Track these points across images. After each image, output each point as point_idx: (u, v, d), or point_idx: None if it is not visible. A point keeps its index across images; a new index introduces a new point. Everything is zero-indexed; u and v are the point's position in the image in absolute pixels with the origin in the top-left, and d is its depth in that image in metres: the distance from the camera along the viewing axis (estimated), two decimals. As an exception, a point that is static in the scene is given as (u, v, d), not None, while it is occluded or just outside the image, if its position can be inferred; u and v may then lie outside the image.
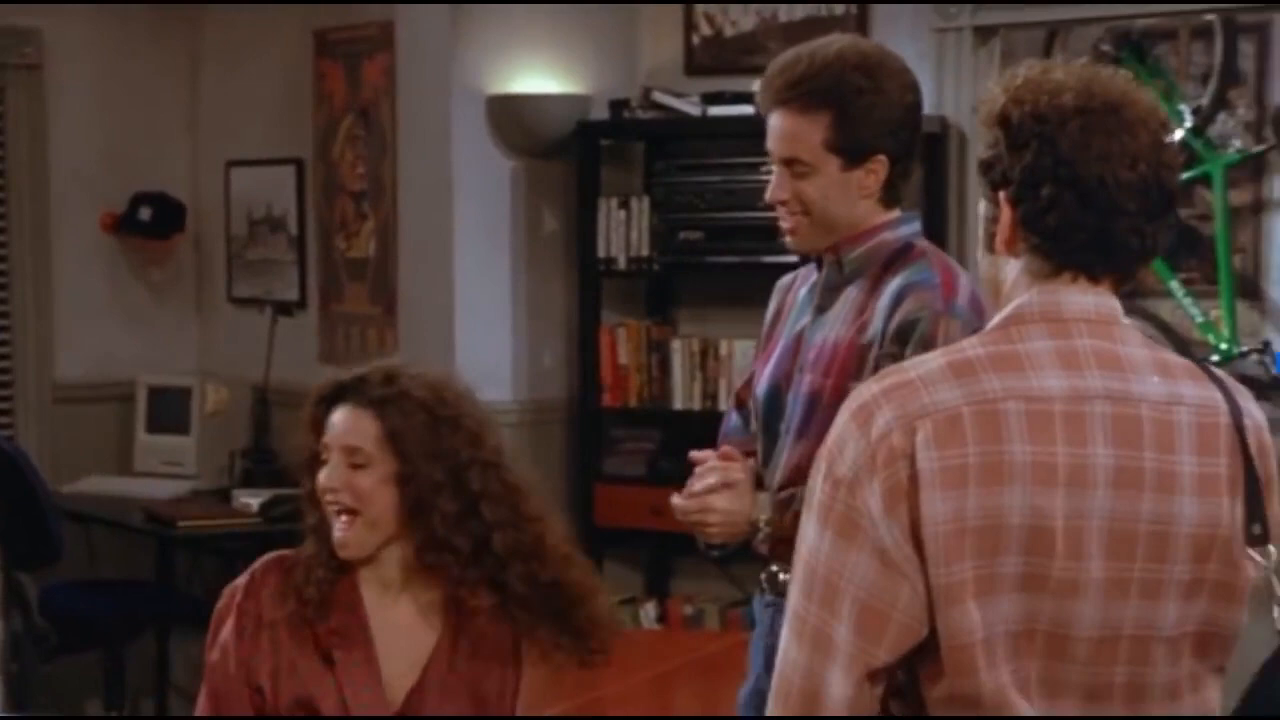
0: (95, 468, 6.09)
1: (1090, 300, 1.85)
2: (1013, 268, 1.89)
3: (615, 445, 5.52)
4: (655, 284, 5.62)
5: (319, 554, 2.70)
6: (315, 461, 2.69)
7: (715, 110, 5.29)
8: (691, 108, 5.34)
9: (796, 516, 2.71)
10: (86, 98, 6.16)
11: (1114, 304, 1.87)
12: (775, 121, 2.80)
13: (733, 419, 3.09)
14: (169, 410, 6.03)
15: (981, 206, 1.93)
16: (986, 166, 1.89)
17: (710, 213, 5.31)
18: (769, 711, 1.86)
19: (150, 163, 6.25)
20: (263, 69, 6.11)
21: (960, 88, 5.20)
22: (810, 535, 1.83)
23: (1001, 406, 1.78)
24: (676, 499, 2.89)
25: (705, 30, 5.63)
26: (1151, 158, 1.84)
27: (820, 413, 2.78)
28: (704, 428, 5.37)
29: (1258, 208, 5.67)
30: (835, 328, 2.82)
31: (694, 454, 2.91)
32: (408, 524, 2.65)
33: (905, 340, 2.71)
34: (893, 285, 2.77)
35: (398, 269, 5.63)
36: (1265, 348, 5.53)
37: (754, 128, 5.19)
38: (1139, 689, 1.81)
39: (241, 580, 2.73)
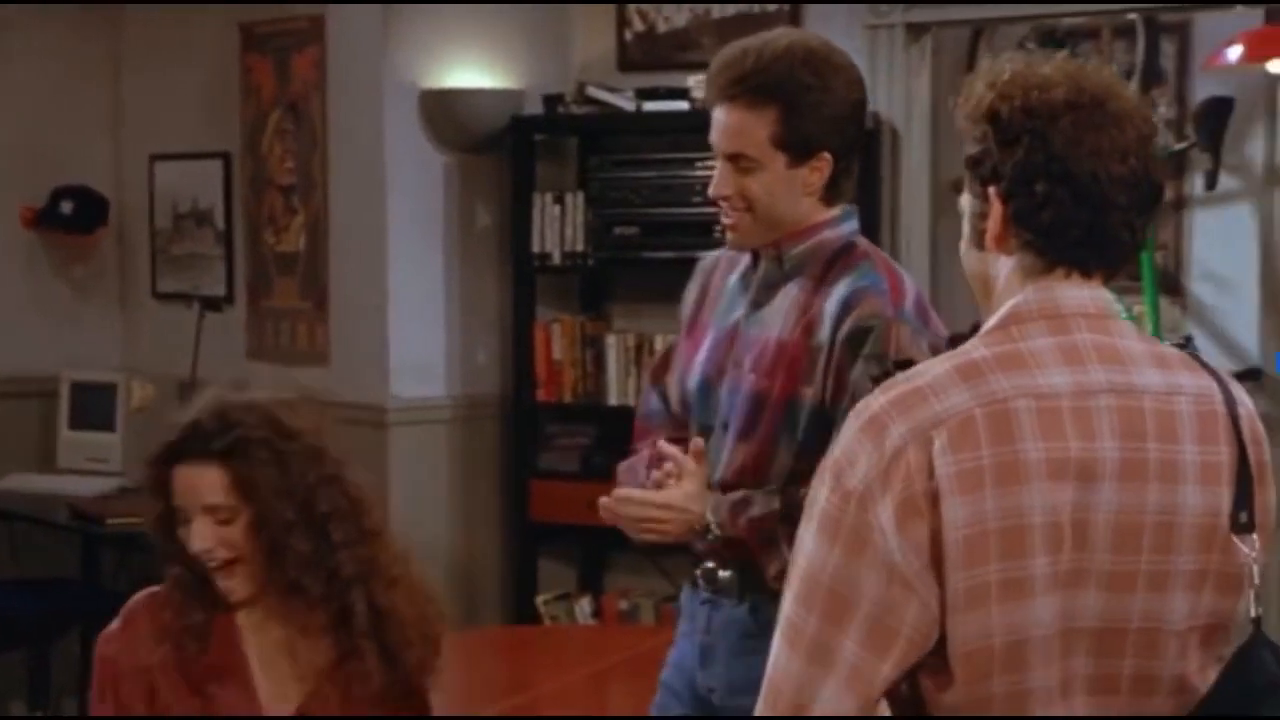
0: (17, 465, 6.01)
1: (1086, 295, 1.86)
2: (1004, 264, 1.88)
3: (550, 441, 5.52)
4: (589, 279, 5.62)
5: (188, 598, 2.63)
6: (170, 520, 2.61)
7: (650, 106, 5.30)
8: (626, 103, 5.34)
9: (751, 523, 2.73)
10: (6, 90, 6.07)
11: (1108, 298, 1.89)
12: (721, 116, 2.77)
13: (653, 401, 3.05)
14: (93, 407, 5.96)
15: (965, 202, 1.93)
16: (975, 162, 1.88)
17: (645, 208, 5.32)
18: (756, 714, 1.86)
19: (72, 156, 6.17)
20: (188, 62, 6.05)
21: (893, 85, 5.25)
22: (812, 546, 1.81)
23: (1012, 405, 1.78)
24: (626, 493, 2.83)
25: (638, 26, 5.64)
26: (1140, 151, 1.85)
27: (767, 413, 2.78)
28: (639, 423, 5.44)
29: (1179, 204, 5.73)
30: (776, 326, 2.80)
31: (663, 446, 2.84)
32: (267, 565, 2.60)
33: (858, 347, 2.70)
34: (840, 290, 2.75)
35: (329, 264, 5.59)
36: (1187, 342, 5.59)
37: (689, 123, 5.28)
38: (1147, 681, 1.82)
39: (115, 626, 2.68)
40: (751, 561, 2.78)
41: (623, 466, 3.00)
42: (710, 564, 2.86)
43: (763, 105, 2.72)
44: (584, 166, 5.52)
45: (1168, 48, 5.80)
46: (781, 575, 2.69)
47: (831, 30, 5.27)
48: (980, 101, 1.88)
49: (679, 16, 5.56)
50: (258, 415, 2.59)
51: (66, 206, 6.05)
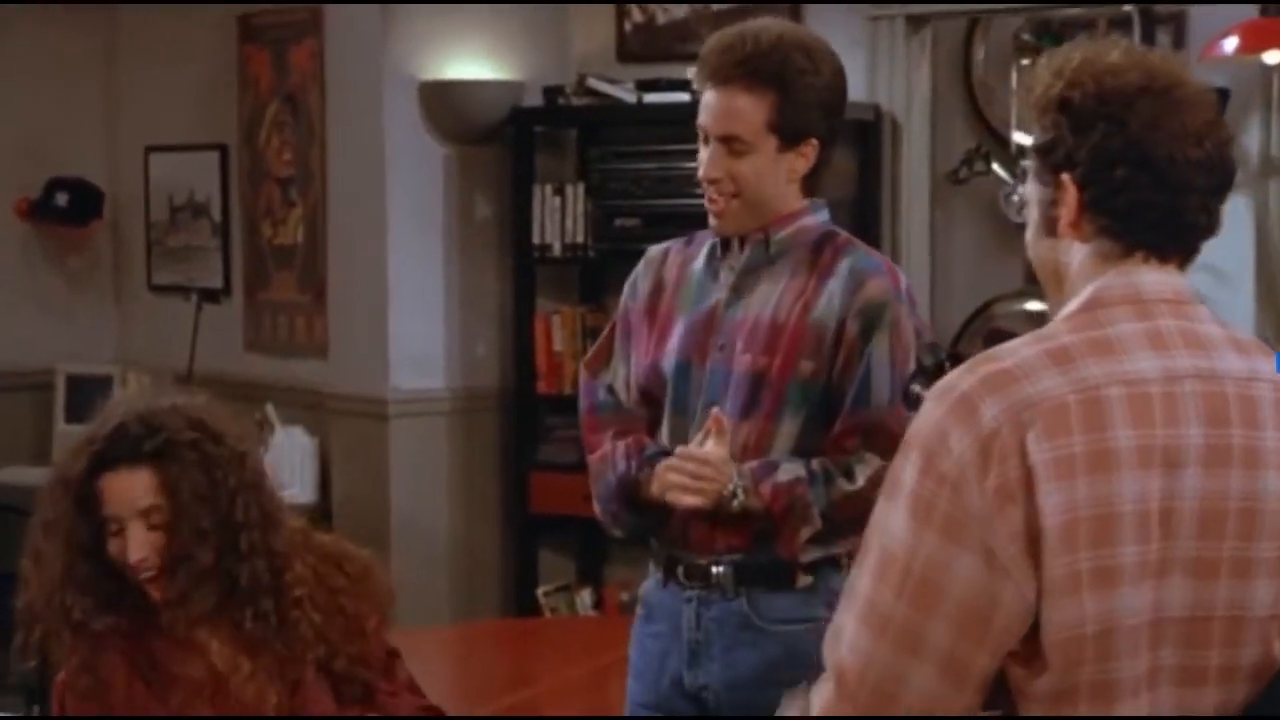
0: (11, 458, 5.99)
1: (1166, 280, 1.87)
2: (1077, 251, 1.89)
3: (550, 433, 5.51)
4: (590, 271, 5.62)
5: (140, 622, 2.55)
6: (99, 538, 2.50)
7: (650, 97, 5.30)
8: (626, 94, 5.34)
9: (777, 489, 2.71)
10: (1, 82, 6.05)
11: (1186, 284, 1.89)
12: (716, 99, 2.78)
13: (599, 393, 3.02)
14: (89, 399, 5.85)
15: (1032, 192, 1.93)
16: (1045, 150, 1.88)
17: (645, 200, 5.32)
18: (825, 700, 1.85)
19: (66, 148, 6.16)
20: (184, 55, 6.04)
21: (893, 75, 5.26)
22: (901, 530, 1.80)
23: (1104, 393, 1.78)
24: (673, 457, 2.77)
25: (637, 17, 5.64)
26: (1213, 135, 1.86)
27: (767, 391, 2.79)
28: (639, 415, 5.44)
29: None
30: (769, 307, 2.81)
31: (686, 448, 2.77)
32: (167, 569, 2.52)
33: (870, 325, 2.75)
34: (843, 269, 2.79)
35: (327, 256, 5.59)
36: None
37: (689, 114, 5.20)
38: (1232, 671, 1.82)
39: (64, 675, 2.57)
40: (744, 549, 2.78)
41: (594, 460, 2.94)
42: (700, 560, 2.83)
43: (760, 88, 2.74)
44: (584, 158, 5.51)
45: (1163, 39, 5.81)
46: (813, 540, 2.74)
47: (832, 22, 5.30)
48: (1049, 90, 1.88)
49: (678, 8, 5.56)
50: (183, 418, 2.51)
51: (61, 198, 6.04)
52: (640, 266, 3.03)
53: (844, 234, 2.89)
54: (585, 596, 5.54)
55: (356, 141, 5.47)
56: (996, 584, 1.75)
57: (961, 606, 1.76)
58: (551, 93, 5.44)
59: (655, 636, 2.90)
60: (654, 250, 3.03)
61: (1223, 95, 5.08)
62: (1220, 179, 1.86)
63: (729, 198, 2.80)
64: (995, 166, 5.42)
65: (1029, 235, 1.96)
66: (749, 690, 2.78)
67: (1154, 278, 1.87)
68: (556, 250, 5.43)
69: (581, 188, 5.40)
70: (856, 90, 5.29)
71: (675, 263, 2.96)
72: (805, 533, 2.74)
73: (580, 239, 5.40)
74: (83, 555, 2.51)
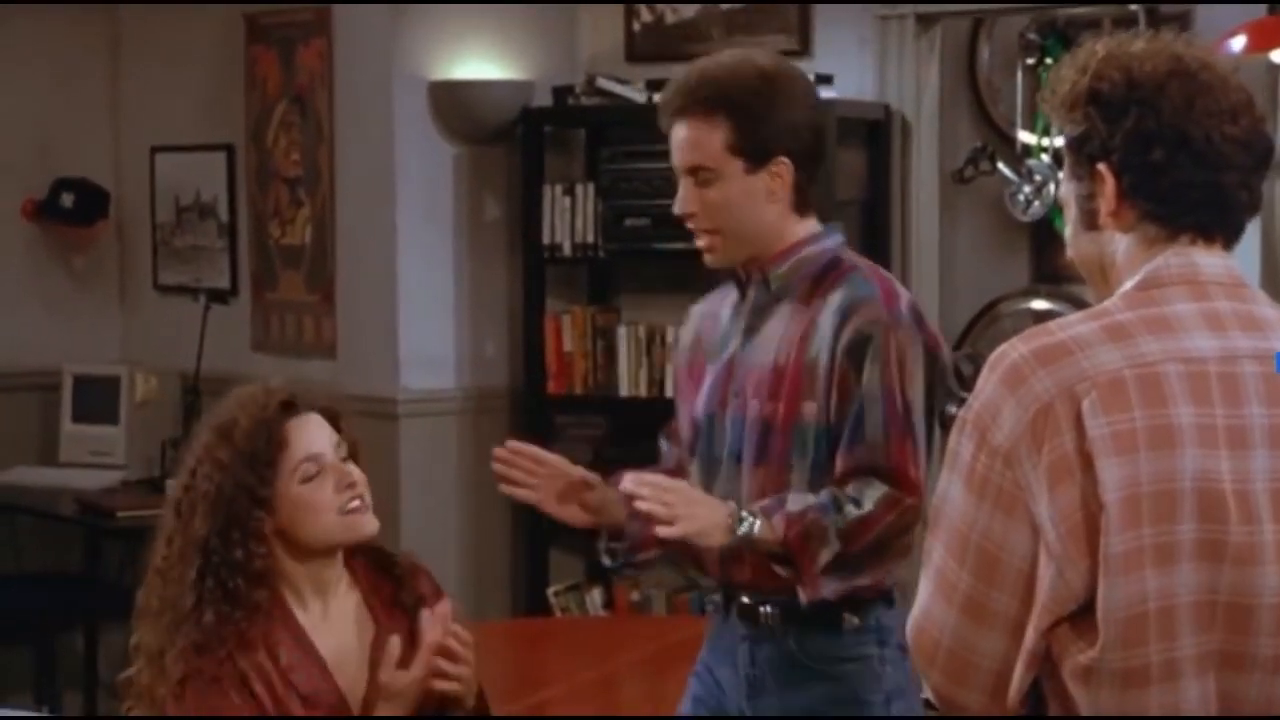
0: (19, 458, 5.98)
1: (1220, 262, 1.89)
2: (1120, 241, 1.90)
3: (561, 432, 5.52)
4: (599, 271, 5.62)
5: (250, 605, 2.62)
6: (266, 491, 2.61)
7: (660, 97, 5.30)
8: (636, 94, 5.35)
9: (790, 519, 2.66)
10: (6, 81, 6.04)
11: (1237, 266, 1.91)
12: (676, 133, 2.81)
13: (663, 449, 3.10)
14: (96, 400, 5.94)
15: (1068, 189, 1.95)
16: (1079, 143, 1.91)
17: (655, 199, 5.31)
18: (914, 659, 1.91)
19: (72, 148, 6.15)
20: (190, 54, 6.03)
21: (903, 75, 5.27)
22: (960, 500, 1.83)
23: (1161, 369, 1.79)
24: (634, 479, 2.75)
25: (646, 17, 5.65)
26: (1247, 113, 1.88)
27: (775, 437, 2.77)
28: (650, 414, 5.41)
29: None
30: (772, 350, 2.80)
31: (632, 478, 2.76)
32: None
33: (860, 358, 2.71)
34: (834, 301, 2.76)
35: (336, 256, 5.59)
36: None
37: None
38: (1276, 661, 1.82)
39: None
40: (789, 590, 2.75)
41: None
42: (745, 599, 2.83)
43: (713, 113, 2.75)
44: (594, 158, 5.52)
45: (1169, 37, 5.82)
46: (834, 572, 2.70)
47: (841, 21, 5.33)
48: (1076, 85, 1.90)
49: (687, 8, 5.57)
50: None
51: (67, 199, 6.03)
52: (686, 319, 3.05)
53: (850, 259, 2.84)
54: (596, 596, 5.55)
55: (365, 141, 5.47)
56: (1043, 559, 1.78)
57: (1020, 576, 1.79)
58: (561, 93, 5.44)
59: (716, 664, 2.92)
60: (698, 306, 3.04)
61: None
62: (1259, 156, 1.89)
63: (710, 232, 2.80)
64: (1000, 165, 5.42)
65: (1069, 233, 1.98)
66: None
67: (1208, 259, 1.88)
68: (566, 250, 5.44)
69: (591, 187, 5.40)
70: (866, 89, 5.36)
71: (709, 313, 2.97)
72: (825, 555, 2.69)
73: (590, 239, 5.41)
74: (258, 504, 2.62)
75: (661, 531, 2.68)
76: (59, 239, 6.17)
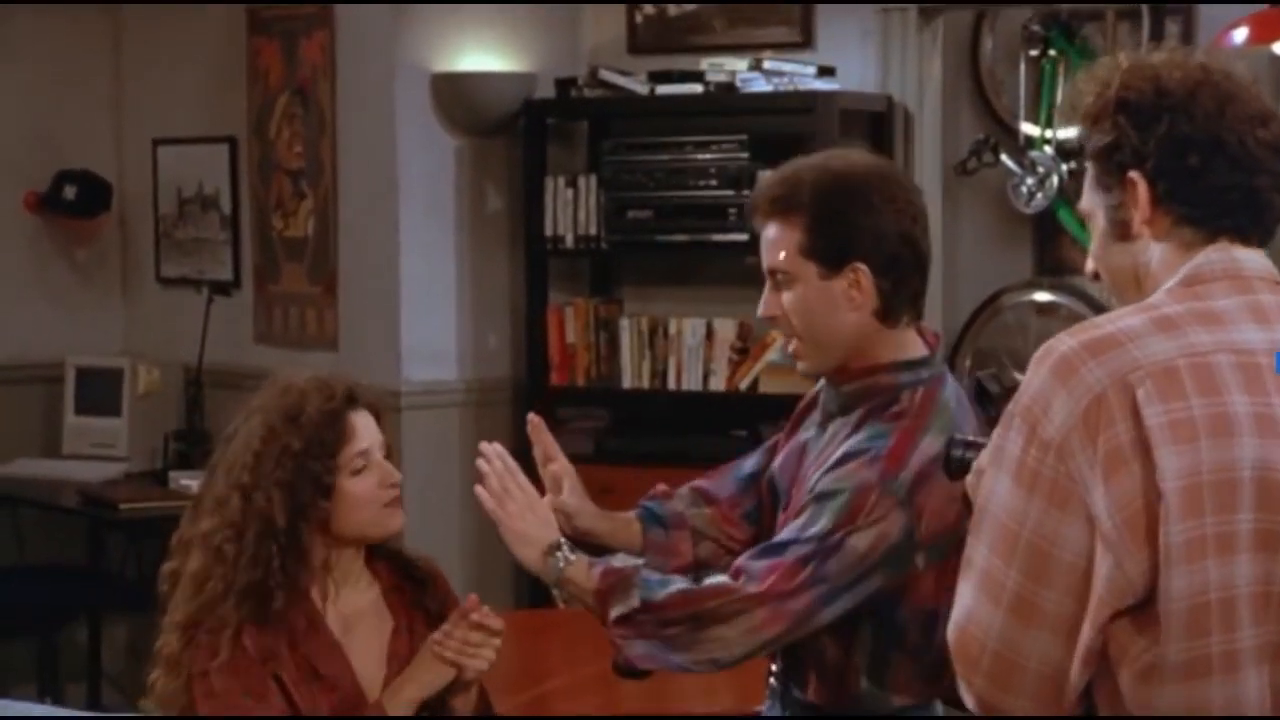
0: (22, 450, 5.98)
1: (1260, 259, 1.91)
2: (1155, 249, 1.91)
3: (563, 424, 5.51)
4: (602, 263, 5.63)
5: (278, 584, 2.68)
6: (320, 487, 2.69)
7: (662, 89, 5.31)
8: (638, 86, 5.35)
9: (606, 574, 2.53)
10: (8, 74, 6.04)
11: (1271, 264, 1.92)
12: (762, 234, 2.70)
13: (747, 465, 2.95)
14: (98, 392, 5.94)
15: (1094, 201, 1.95)
16: (1107, 153, 1.91)
17: (658, 191, 5.33)
18: (955, 668, 1.88)
19: (75, 141, 6.15)
20: (192, 47, 6.03)
21: (905, 67, 5.27)
22: (1006, 496, 1.81)
23: (1214, 359, 1.80)
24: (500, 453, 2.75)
25: (649, 9, 5.65)
26: (1275, 119, 1.90)
27: None
28: (652, 406, 5.46)
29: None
30: (814, 464, 2.68)
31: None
32: None
33: (824, 502, 2.55)
34: (849, 444, 2.60)
35: (338, 248, 5.59)
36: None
37: (701, 106, 5.29)
38: None
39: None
40: (797, 665, 2.68)
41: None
42: (775, 682, 2.75)
43: (792, 215, 2.64)
44: (596, 150, 5.52)
45: (1172, 30, 5.82)
46: (635, 626, 2.54)
47: (844, 13, 5.33)
48: (1101, 96, 1.92)
49: (690, 0, 5.58)
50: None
51: (69, 191, 6.03)
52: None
53: (908, 401, 2.62)
54: (598, 588, 5.54)
55: (367, 134, 5.47)
56: (1100, 552, 1.77)
57: (1075, 572, 1.78)
58: (563, 85, 5.44)
59: None
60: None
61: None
62: None
63: (794, 338, 2.70)
64: (1003, 157, 5.42)
65: (1095, 247, 1.97)
66: None
67: (1249, 255, 1.90)
68: (569, 242, 5.44)
69: (594, 179, 5.41)
70: (868, 81, 5.36)
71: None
72: (618, 608, 2.54)
73: (592, 231, 5.41)
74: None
75: (482, 498, 2.68)
76: (61, 231, 6.17)
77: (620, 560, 2.63)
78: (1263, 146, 1.88)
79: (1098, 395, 1.78)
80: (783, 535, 2.58)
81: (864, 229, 2.62)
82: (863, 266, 2.62)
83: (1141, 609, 1.78)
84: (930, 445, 2.55)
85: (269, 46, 5.75)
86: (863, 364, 2.65)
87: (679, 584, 2.57)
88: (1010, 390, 2.07)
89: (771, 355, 5.24)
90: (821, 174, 2.66)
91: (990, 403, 2.08)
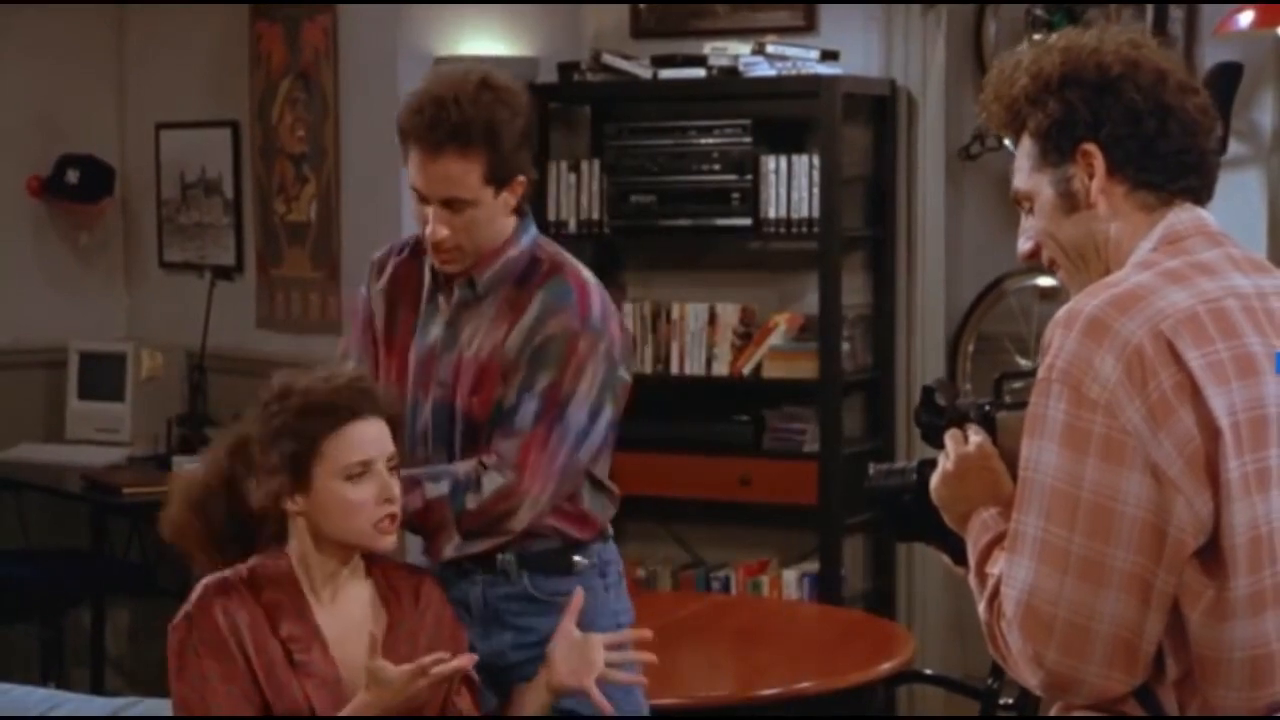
0: (25, 435, 5.99)
1: (1212, 217, 1.99)
2: (1111, 215, 1.96)
3: (566, 409, 5.52)
4: (605, 248, 5.62)
5: (266, 566, 2.73)
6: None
7: (665, 73, 5.30)
8: (641, 70, 5.34)
9: (427, 510, 2.83)
10: (10, 59, 6.03)
11: None
12: (428, 165, 2.85)
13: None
14: (101, 376, 5.94)
15: (1035, 180, 2.01)
16: (1060, 126, 1.97)
17: (661, 176, 5.33)
18: (1019, 646, 1.87)
19: (77, 125, 6.14)
20: (194, 31, 6.01)
21: (909, 51, 5.27)
22: (1056, 461, 1.83)
23: (1225, 304, 1.87)
24: None
25: (650, -7, 5.64)
26: (1199, 89, 1.99)
27: (481, 429, 2.89)
28: (655, 391, 5.45)
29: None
30: (475, 345, 2.92)
31: None
32: None
33: (543, 359, 2.86)
34: (534, 307, 2.88)
35: (340, 233, 5.58)
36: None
37: (705, 91, 5.28)
38: None
39: (181, 618, 2.70)
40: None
41: None
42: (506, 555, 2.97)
43: (472, 150, 2.83)
44: (599, 134, 5.52)
45: (1176, 13, 5.81)
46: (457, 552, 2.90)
47: (847, -2, 5.32)
48: (1040, 76, 1.98)
49: (692, -18, 5.56)
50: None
51: (72, 175, 6.02)
52: (371, 270, 3.15)
53: (548, 257, 2.95)
54: (601, 572, 5.54)
55: (370, 118, 5.45)
56: (1167, 498, 1.80)
57: (1138, 525, 1.80)
58: (566, 69, 5.43)
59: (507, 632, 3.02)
60: (378, 255, 3.15)
61: (1236, 70, 5.09)
62: (1216, 124, 1.99)
63: (455, 250, 2.89)
64: (1006, 142, 5.40)
65: (1039, 224, 2.02)
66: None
67: (1207, 214, 1.99)
68: (572, 227, 5.45)
69: (597, 164, 5.41)
70: (872, 66, 5.35)
71: (403, 278, 3.05)
72: (448, 547, 2.89)
73: (595, 215, 5.42)
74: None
75: None
76: (64, 216, 6.16)
77: (430, 484, 2.86)
78: (1201, 111, 1.96)
79: (1136, 347, 1.82)
80: (515, 419, 2.84)
81: (525, 145, 2.92)
82: (522, 178, 2.92)
83: (1206, 549, 1.81)
84: (597, 288, 2.93)
85: (271, 30, 5.74)
86: (492, 248, 2.92)
87: (470, 499, 2.85)
88: (955, 402, 2.11)
89: (774, 340, 5.24)
90: (490, 103, 2.84)
91: (938, 413, 2.09)
